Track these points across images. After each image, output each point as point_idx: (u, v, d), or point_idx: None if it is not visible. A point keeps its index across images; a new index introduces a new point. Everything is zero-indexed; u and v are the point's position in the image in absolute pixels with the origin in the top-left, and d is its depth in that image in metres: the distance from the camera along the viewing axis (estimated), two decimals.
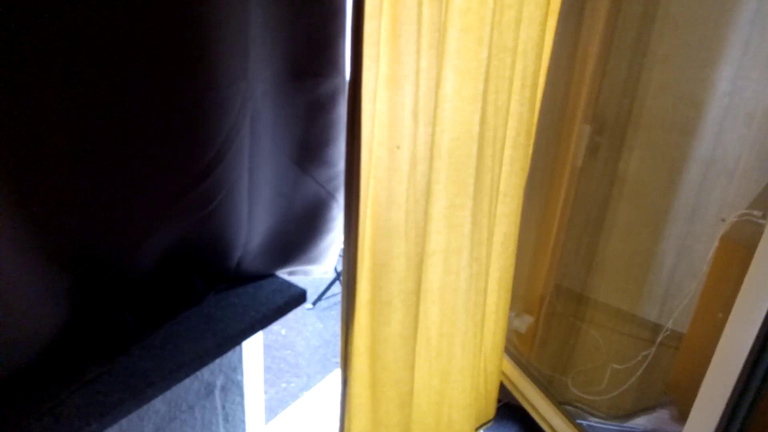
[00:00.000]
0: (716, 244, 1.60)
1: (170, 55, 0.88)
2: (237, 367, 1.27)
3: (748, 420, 1.15)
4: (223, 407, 1.27)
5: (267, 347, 2.42)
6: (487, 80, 1.22)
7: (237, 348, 1.25)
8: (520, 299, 2.07)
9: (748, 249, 1.09)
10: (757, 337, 1.09)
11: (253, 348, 1.31)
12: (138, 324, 1.05)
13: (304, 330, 2.55)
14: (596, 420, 1.86)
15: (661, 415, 1.90)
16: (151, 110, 0.89)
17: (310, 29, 1.05)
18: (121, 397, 0.92)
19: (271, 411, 2.06)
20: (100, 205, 0.90)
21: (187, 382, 1.17)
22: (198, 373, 1.18)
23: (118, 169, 0.90)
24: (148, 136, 0.91)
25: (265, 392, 2.17)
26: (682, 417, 1.29)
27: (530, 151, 1.52)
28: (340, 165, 1.18)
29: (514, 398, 1.94)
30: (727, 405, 1.15)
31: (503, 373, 1.96)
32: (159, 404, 1.12)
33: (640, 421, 1.88)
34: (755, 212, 1.55)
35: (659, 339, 1.83)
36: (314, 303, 2.72)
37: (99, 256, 0.95)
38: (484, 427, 1.85)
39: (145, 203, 0.95)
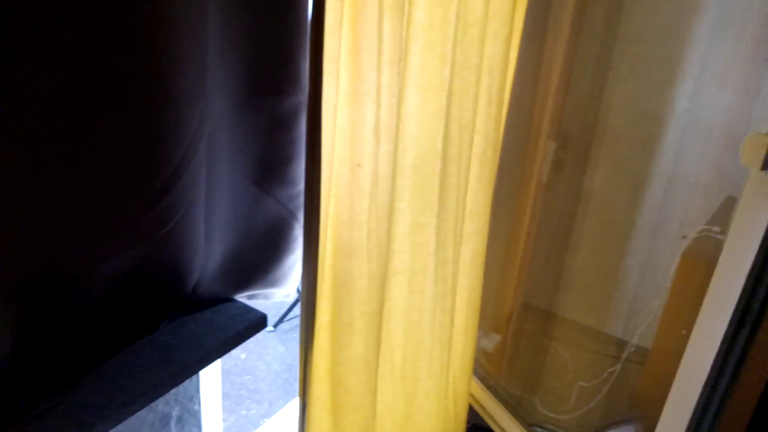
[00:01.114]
0: (678, 260, 1.61)
1: (124, 73, 0.84)
2: (194, 397, 1.21)
3: None
4: None
5: (226, 373, 2.35)
6: (450, 97, 1.21)
7: (194, 377, 1.19)
8: (488, 318, 2.05)
9: (709, 265, 1.10)
10: (719, 351, 1.10)
11: (210, 376, 1.26)
12: (89, 354, 0.99)
13: (265, 354, 2.48)
14: None
15: (627, 431, 1.90)
16: (104, 130, 0.85)
17: (270, 46, 1.03)
18: None
19: None
20: (49, 229, 0.85)
21: (141, 414, 1.11)
22: (152, 405, 1.13)
23: (68, 192, 0.85)
24: (99, 157, 0.86)
25: (224, 420, 2.09)
26: None
27: (496, 168, 1.52)
28: (302, 184, 1.15)
29: (481, 419, 1.92)
30: (692, 418, 1.15)
31: (471, 395, 1.94)
32: None
33: None
34: (714, 228, 1.57)
35: (625, 355, 1.84)
36: (276, 325, 2.66)
37: (48, 284, 0.89)
38: None
39: (96, 227, 0.91)
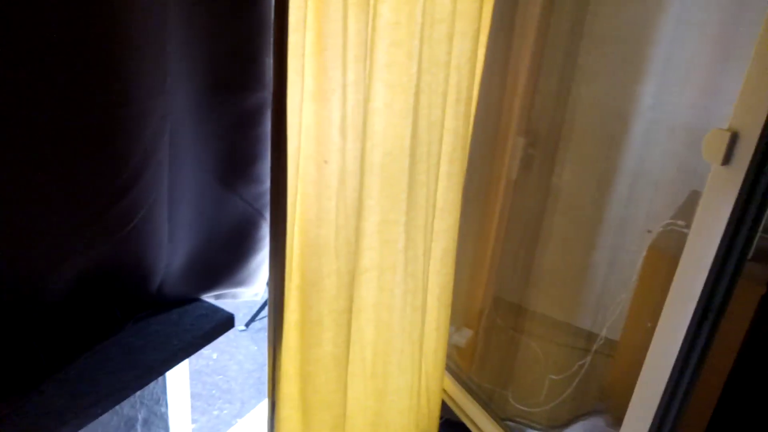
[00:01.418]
0: (644, 254, 1.64)
1: (81, 68, 0.82)
2: (160, 399, 1.19)
3: (678, 422, 1.17)
4: None
5: (197, 373, 2.31)
6: (418, 94, 1.21)
7: (160, 378, 1.18)
8: (460, 313, 2.07)
9: (674, 258, 1.12)
10: (684, 342, 1.11)
11: (178, 377, 1.24)
12: (49, 358, 0.97)
13: (237, 353, 2.46)
14: (535, 431, 1.87)
15: (596, 422, 1.92)
16: (60, 128, 0.83)
17: (233, 42, 1.01)
18: None
19: None
20: (3, 230, 0.83)
21: (105, 417, 1.09)
22: (117, 408, 1.11)
23: (22, 191, 0.83)
24: (56, 155, 0.84)
25: (196, 421, 2.07)
26: (617, 423, 1.30)
27: (466, 165, 1.52)
28: (269, 182, 1.14)
29: (454, 414, 1.93)
30: (658, 409, 1.17)
31: (444, 390, 1.95)
32: None
33: (576, 429, 1.90)
34: (679, 222, 1.60)
35: (594, 348, 1.86)
36: (247, 324, 2.63)
37: (4, 286, 0.87)
38: None
39: (53, 227, 0.88)
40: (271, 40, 1.00)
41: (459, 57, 1.31)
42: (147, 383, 1.02)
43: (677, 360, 1.13)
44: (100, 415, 0.94)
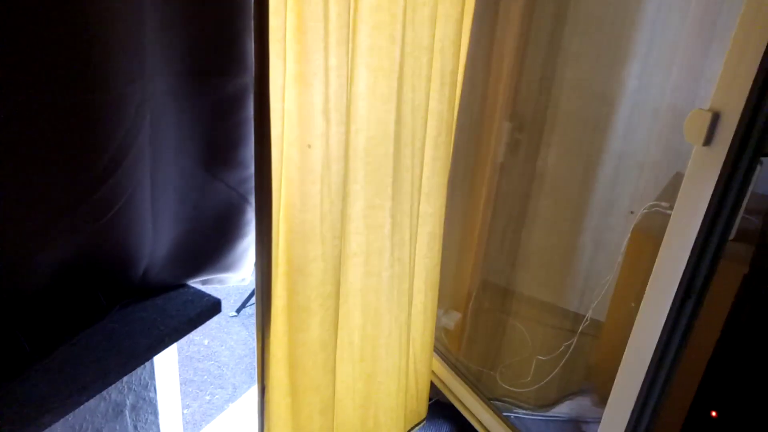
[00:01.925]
0: (629, 235, 1.65)
1: (54, 53, 0.81)
2: (149, 384, 1.20)
3: (660, 400, 1.19)
4: (135, 428, 1.20)
5: (188, 359, 2.32)
6: (401, 78, 1.20)
7: (148, 364, 1.18)
8: (448, 296, 2.08)
9: (657, 239, 1.13)
10: (666, 322, 1.13)
11: (167, 362, 1.24)
12: (33, 345, 0.97)
13: (228, 339, 2.47)
14: (523, 411, 1.90)
15: (582, 401, 1.95)
16: (36, 114, 0.82)
17: (213, 26, 1.00)
18: (13, 428, 0.84)
19: (195, 425, 1.98)
20: None
21: (92, 403, 1.09)
22: (105, 393, 1.11)
23: (1, 178, 0.82)
24: (33, 141, 0.83)
25: (188, 406, 2.08)
26: (603, 401, 1.32)
27: (451, 149, 1.52)
28: (252, 167, 1.13)
29: (443, 396, 1.95)
30: (642, 387, 1.19)
31: (433, 372, 1.97)
32: (60, 430, 1.04)
33: (563, 409, 1.93)
34: (663, 203, 1.61)
35: (580, 328, 1.89)
36: (238, 310, 2.64)
37: None
38: (418, 427, 1.85)
39: (32, 214, 0.87)
40: (252, 23, 0.99)
41: (442, 40, 1.31)
42: (132, 369, 1.02)
43: (660, 339, 1.15)
44: (85, 401, 0.94)
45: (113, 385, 1.10)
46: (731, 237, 1.07)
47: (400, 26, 1.14)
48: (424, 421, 1.86)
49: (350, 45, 1.08)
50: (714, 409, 1.38)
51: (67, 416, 1.04)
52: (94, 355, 0.98)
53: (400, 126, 1.25)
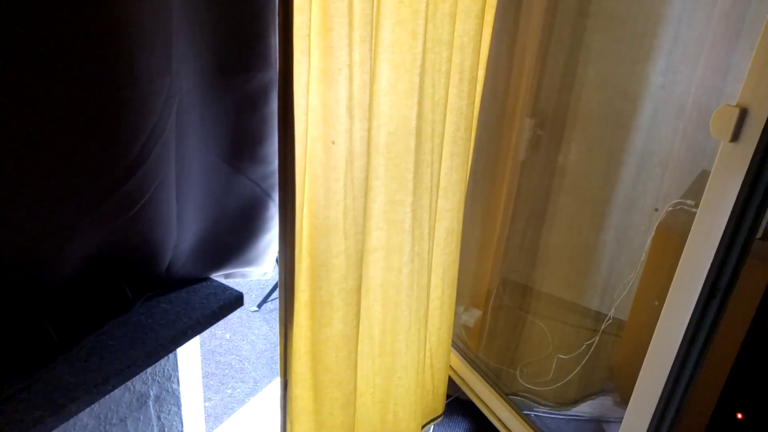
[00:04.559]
0: (653, 233, 1.63)
1: (84, 50, 0.82)
2: (172, 376, 1.21)
3: (684, 401, 1.17)
4: (159, 418, 1.22)
5: (211, 353, 2.35)
6: (423, 74, 1.20)
7: (171, 356, 1.19)
8: (468, 294, 2.08)
9: (682, 237, 1.11)
10: (690, 321, 1.11)
11: (190, 355, 1.26)
12: (60, 335, 0.99)
13: (250, 333, 2.49)
14: (543, 410, 1.89)
15: (604, 401, 1.94)
16: (65, 108, 0.84)
17: (238, 22, 1.01)
18: (42, 414, 0.86)
19: (216, 418, 2.01)
20: (12, 210, 0.84)
21: (117, 393, 1.11)
22: (129, 384, 1.13)
23: (28, 173, 0.84)
24: (62, 136, 0.85)
25: (210, 399, 2.11)
26: (624, 401, 1.31)
27: (471, 145, 1.52)
28: (276, 163, 1.14)
29: (463, 393, 1.95)
30: (665, 388, 1.18)
31: (452, 369, 1.96)
32: (87, 419, 1.06)
33: (584, 408, 1.91)
34: (688, 201, 1.59)
35: (602, 327, 1.87)
36: (260, 305, 2.66)
37: (14, 264, 0.88)
38: (434, 423, 1.85)
39: (62, 207, 0.89)
40: (277, 20, 1.00)
41: (462, 36, 1.31)
42: (157, 360, 1.03)
43: (684, 339, 1.13)
44: (111, 391, 0.96)
45: (138, 376, 1.11)
46: (758, 236, 1.05)
47: (422, 21, 1.14)
48: (442, 417, 1.86)
49: (373, 41, 1.08)
50: (740, 411, 1.36)
51: (92, 405, 1.06)
52: (119, 346, 0.99)
53: (420, 121, 1.25)
